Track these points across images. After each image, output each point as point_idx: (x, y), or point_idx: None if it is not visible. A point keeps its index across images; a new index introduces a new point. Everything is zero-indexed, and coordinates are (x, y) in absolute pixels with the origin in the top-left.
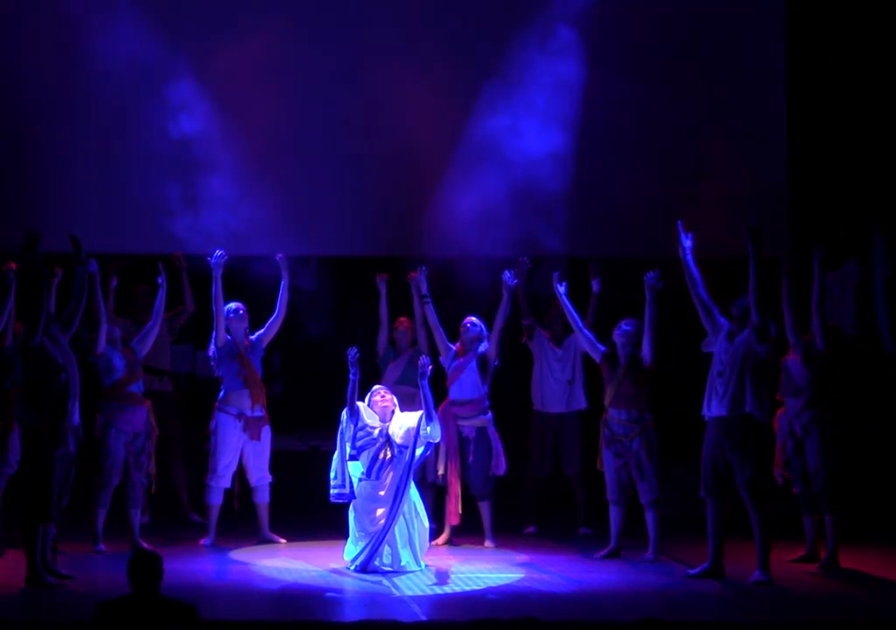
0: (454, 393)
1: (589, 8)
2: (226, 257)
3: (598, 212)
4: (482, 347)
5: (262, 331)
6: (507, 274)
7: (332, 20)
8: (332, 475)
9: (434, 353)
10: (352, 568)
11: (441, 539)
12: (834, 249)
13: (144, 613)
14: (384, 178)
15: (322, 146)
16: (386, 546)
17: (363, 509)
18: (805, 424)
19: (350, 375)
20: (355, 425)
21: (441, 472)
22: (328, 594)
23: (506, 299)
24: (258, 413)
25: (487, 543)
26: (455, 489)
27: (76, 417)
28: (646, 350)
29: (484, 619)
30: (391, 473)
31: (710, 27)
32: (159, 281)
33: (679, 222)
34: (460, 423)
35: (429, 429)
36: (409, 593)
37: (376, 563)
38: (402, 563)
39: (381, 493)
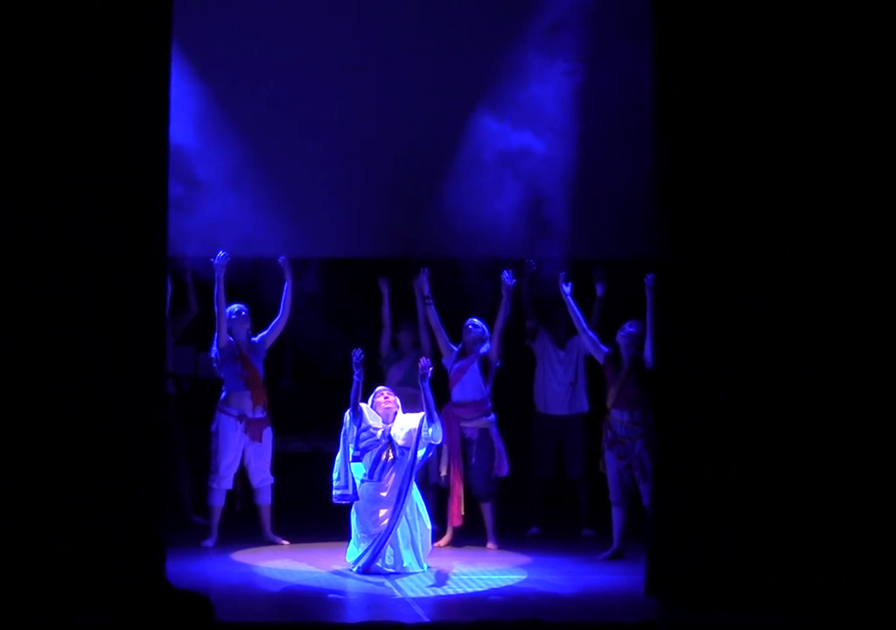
0: (456, 394)
1: (588, 7)
2: (228, 258)
3: (600, 213)
4: (484, 349)
5: (266, 332)
6: (506, 274)
7: (334, 20)
8: (334, 476)
9: (436, 355)
10: (354, 569)
11: (443, 540)
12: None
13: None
14: (386, 179)
15: (324, 148)
16: (388, 547)
17: (365, 511)
18: None
19: (354, 377)
20: (358, 426)
21: (444, 473)
22: (330, 596)
23: (506, 299)
24: (259, 415)
25: (490, 545)
26: (457, 490)
27: None
28: (648, 352)
29: (486, 620)
30: (393, 475)
31: None
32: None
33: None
34: (463, 424)
35: (430, 430)
36: (412, 595)
37: (378, 564)
38: (405, 565)
39: (384, 494)
